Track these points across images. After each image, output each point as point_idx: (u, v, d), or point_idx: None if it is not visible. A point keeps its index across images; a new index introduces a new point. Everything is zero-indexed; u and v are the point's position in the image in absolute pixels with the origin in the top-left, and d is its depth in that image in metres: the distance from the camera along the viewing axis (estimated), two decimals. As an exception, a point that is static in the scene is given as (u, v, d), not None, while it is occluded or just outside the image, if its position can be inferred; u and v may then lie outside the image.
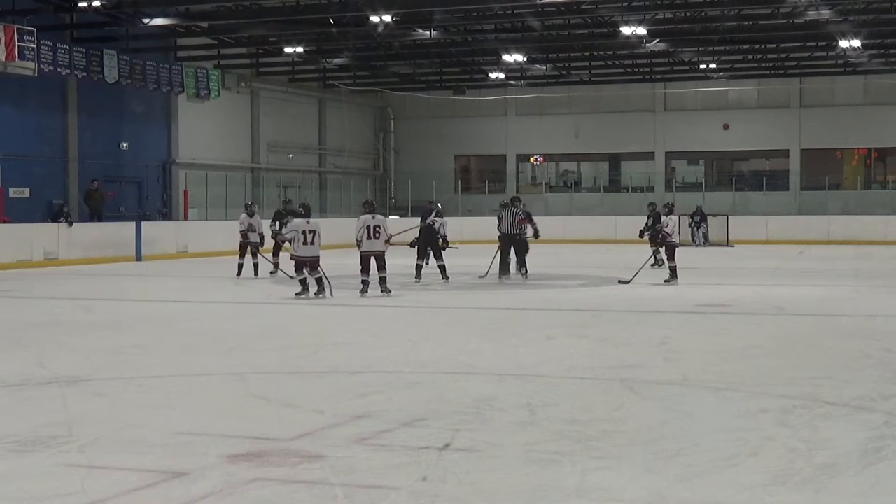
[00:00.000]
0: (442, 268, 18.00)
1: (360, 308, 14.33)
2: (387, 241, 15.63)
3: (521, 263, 18.37)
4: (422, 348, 10.12)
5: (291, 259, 15.50)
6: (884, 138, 38.40)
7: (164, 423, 6.49)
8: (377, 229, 15.46)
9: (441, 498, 4.86)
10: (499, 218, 18.64)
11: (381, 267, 15.54)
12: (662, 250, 18.82)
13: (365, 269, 15.53)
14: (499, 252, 18.60)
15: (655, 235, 18.88)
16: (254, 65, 34.20)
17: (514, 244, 18.38)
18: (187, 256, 26.14)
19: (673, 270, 17.33)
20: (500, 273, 18.36)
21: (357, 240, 15.65)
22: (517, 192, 40.95)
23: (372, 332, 11.45)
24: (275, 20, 27.57)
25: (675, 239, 17.73)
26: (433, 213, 19.30)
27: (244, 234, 19.18)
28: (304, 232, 15.07)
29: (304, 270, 15.13)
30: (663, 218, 18.27)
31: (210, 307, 14.78)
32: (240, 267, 19.24)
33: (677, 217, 18.04)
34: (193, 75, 30.56)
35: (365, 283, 15.44)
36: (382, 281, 15.46)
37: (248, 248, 19.24)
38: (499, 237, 18.62)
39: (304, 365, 9.13)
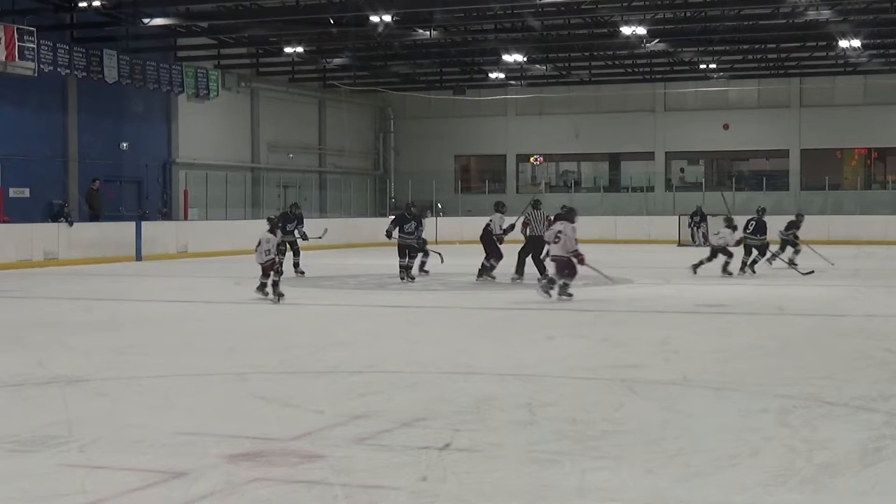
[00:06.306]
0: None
1: (360, 308, 14.33)
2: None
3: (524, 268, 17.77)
4: (422, 348, 10.10)
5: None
6: (884, 138, 38.38)
7: (164, 423, 6.48)
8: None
9: (441, 498, 4.86)
10: (525, 221, 17.98)
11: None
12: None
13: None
14: (523, 253, 17.76)
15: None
16: (254, 65, 34.21)
17: (537, 247, 17.30)
18: (187, 256, 26.13)
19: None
20: (517, 273, 17.62)
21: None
22: (517, 191, 41.04)
23: (372, 332, 11.45)
24: (275, 20, 27.59)
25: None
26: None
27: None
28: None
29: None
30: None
31: (210, 307, 14.77)
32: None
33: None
34: (193, 75, 30.56)
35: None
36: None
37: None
38: (526, 238, 17.82)
39: (304, 365, 9.12)
